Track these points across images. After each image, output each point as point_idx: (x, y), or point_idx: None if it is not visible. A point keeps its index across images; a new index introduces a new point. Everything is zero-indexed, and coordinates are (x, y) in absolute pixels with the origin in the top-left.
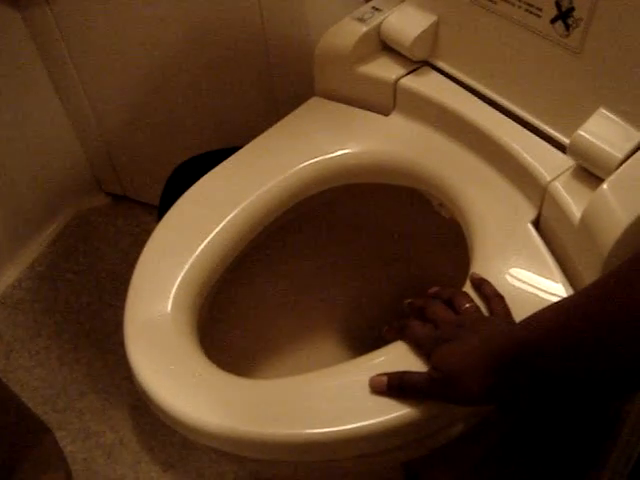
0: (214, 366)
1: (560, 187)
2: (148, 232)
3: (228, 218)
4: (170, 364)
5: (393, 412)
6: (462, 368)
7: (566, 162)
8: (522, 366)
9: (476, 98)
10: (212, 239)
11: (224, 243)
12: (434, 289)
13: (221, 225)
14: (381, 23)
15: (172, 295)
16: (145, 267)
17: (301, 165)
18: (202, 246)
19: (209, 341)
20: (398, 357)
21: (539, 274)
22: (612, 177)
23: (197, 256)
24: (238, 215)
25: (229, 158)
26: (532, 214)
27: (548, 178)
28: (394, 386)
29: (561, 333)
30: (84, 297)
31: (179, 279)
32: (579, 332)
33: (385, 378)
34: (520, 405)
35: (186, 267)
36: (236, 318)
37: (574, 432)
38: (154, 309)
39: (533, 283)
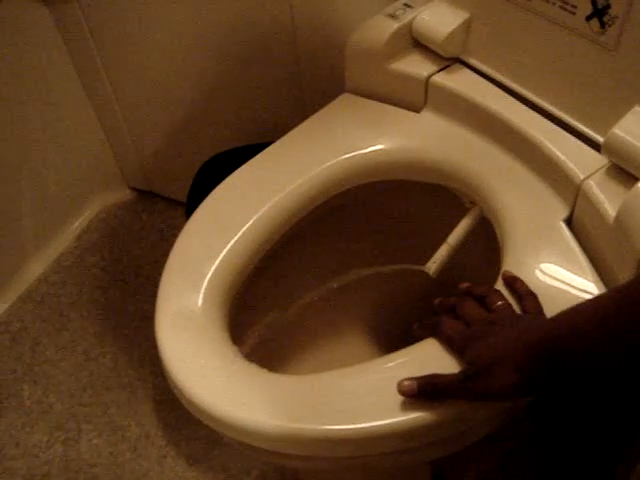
0: (245, 360)
1: (594, 185)
2: (173, 227)
3: (259, 214)
4: (201, 358)
5: (425, 410)
6: (498, 359)
7: (600, 160)
8: (560, 358)
9: (508, 95)
10: (243, 234)
11: (255, 238)
12: (465, 285)
13: (252, 220)
14: (413, 20)
15: (203, 289)
16: (176, 262)
17: (333, 161)
18: (233, 241)
19: (240, 335)
20: (430, 354)
21: (572, 272)
22: None
23: (228, 251)
24: (269, 211)
25: (261, 153)
26: (565, 212)
27: (582, 176)
28: (425, 391)
29: (601, 327)
30: (110, 292)
31: (210, 274)
32: (619, 327)
33: (415, 383)
34: (554, 397)
35: (217, 262)
36: (268, 313)
37: (601, 431)
38: (185, 303)
39: (566, 281)
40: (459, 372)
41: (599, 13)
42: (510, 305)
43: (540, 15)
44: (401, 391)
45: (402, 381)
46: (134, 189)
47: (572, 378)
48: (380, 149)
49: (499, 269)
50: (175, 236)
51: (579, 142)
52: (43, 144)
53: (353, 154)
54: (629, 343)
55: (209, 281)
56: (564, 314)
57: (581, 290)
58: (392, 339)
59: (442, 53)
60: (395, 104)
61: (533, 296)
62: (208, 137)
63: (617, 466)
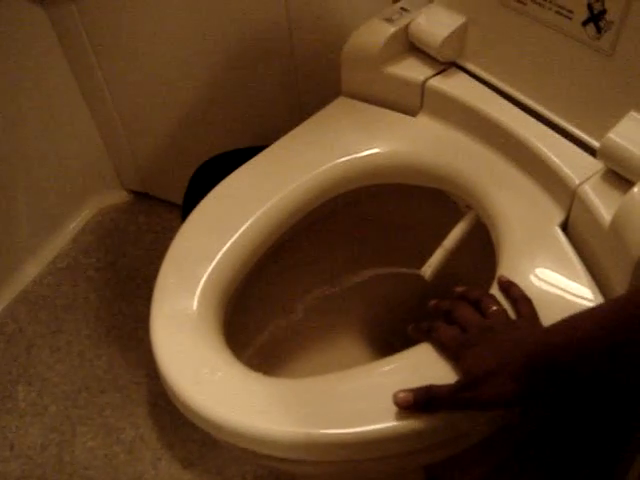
0: (239, 363)
1: (589, 190)
2: (169, 230)
3: (255, 216)
4: (196, 361)
5: (419, 415)
6: (494, 369)
7: (595, 165)
8: (558, 368)
9: (504, 100)
10: (238, 237)
11: (250, 242)
12: (460, 289)
13: (248, 223)
14: (409, 24)
15: (198, 292)
16: (171, 264)
17: (328, 164)
18: (229, 244)
19: (235, 338)
20: (425, 359)
21: (567, 277)
22: None
23: (224, 254)
24: (264, 214)
25: (257, 156)
26: (560, 217)
27: (577, 181)
28: (421, 402)
29: (599, 341)
30: (105, 294)
31: (205, 277)
32: (618, 338)
33: (410, 395)
34: (550, 407)
35: (212, 265)
36: (262, 316)
37: (598, 432)
38: (180, 306)
39: (560, 286)
40: (455, 382)
41: (595, 18)
42: (505, 310)
43: (536, 20)
44: (397, 403)
45: (397, 393)
46: (130, 191)
47: (570, 387)
48: (376, 153)
49: (494, 273)
50: (171, 238)
51: (575, 147)
52: (39, 145)
53: (349, 158)
54: (628, 353)
55: (204, 284)
56: (561, 324)
57: (576, 295)
58: (387, 342)
59: (438, 57)
60: (391, 108)
61: (528, 301)
62: (204, 140)
63: (615, 467)
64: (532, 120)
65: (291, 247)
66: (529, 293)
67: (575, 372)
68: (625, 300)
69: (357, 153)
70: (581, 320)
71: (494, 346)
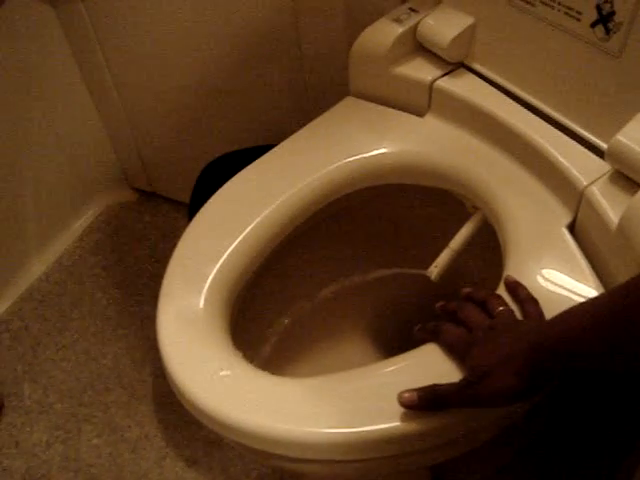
0: (245, 362)
1: (597, 192)
2: (176, 228)
3: (261, 216)
4: (202, 359)
5: (424, 415)
6: (497, 363)
7: (603, 167)
8: (558, 361)
9: (512, 101)
10: (245, 237)
11: (257, 240)
12: (467, 289)
13: (254, 223)
14: (417, 24)
15: (205, 291)
16: (178, 263)
17: (336, 164)
18: (235, 243)
19: (241, 337)
20: (431, 359)
21: (573, 278)
22: None
23: (230, 253)
24: (271, 213)
25: (263, 156)
26: (567, 218)
27: (585, 182)
28: (426, 401)
29: (600, 330)
30: (111, 292)
31: (212, 275)
32: (619, 329)
33: (415, 394)
34: (553, 401)
35: (219, 264)
36: (269, 315)
37: (598, 439)
38: (187, 305)
39: (567, 287)
40: (460, 380)
41: (604, 19)
42: (512, 311)
43: (544, 21)
44: (401, 403)
45: (402, 393)
46: (137, 190)
47: (571, 379)
48: (383, 153)
49: (501, 274)
50: (177, 237)
51: (582, 148)
52: (46, 144)
53: (356, 157)
54: (625, 344)
55: (211, 283)
56: (561, 317)
57: (583, 296)
58: (393, 343)
59: (446, 58)
60: (399, 108)
61: (535, 302)
62: (211, 139)
63: (621, 463)
64: (540, 121)
65: (297, 247)
66: (536, 294)
67: (574, 363)
68: (621, 290)
69: (364, 153)
70: (580, 310)
71: (498, 343)
